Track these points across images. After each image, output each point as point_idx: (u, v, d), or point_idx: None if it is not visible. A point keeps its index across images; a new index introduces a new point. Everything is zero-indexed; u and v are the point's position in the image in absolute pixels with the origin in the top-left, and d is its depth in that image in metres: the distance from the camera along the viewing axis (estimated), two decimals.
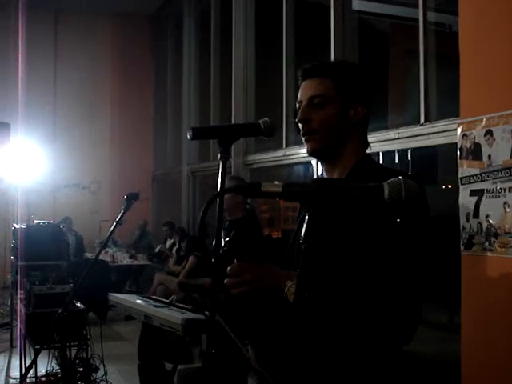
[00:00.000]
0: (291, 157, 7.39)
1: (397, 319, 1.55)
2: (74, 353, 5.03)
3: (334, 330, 1.62)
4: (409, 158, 5.56)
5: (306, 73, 1.83)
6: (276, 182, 1.21)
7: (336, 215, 1.52)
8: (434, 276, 1.69)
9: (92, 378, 5.09)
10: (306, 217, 1.18)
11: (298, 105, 1.84)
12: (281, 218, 11.90)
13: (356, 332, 1.59)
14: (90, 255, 10.18)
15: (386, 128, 5.62)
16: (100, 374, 5.13)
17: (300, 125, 1.81)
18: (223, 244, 4.36)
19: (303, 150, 6.96)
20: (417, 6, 5.38)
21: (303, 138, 1.82)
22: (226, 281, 1.56)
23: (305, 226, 1.18)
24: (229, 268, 1.56)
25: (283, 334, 1.73)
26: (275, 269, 1.62)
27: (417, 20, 5.39)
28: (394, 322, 1.55)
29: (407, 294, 1.56)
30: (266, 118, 1.76)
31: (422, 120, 5.10)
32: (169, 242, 10.10)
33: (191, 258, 8.19)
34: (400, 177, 1.18)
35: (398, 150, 5.46)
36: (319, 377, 1.69)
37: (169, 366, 4.82)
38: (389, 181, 1.18)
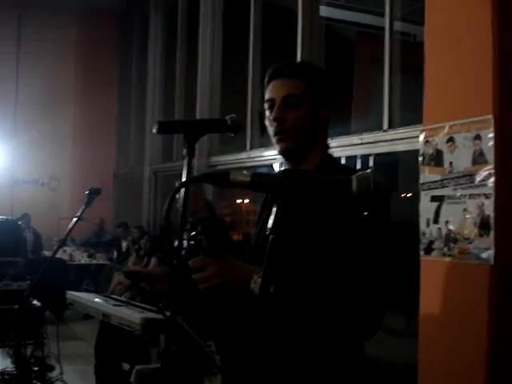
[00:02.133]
0: (255, 159, 7.39)
1: (361, 311, 1.57)
2: (29, 351, 4.95)
3: (298, 323, 1.63)
4: (371, 164, 5.61)
5: (277, 72, 1.84)
6: (244, 172, 1.20)
7: (304, 207, 1.53)
8: (392, 281, 1.71)
9: (47, 378, 5.01)
10: (274, 208, 1.18)
11: (267, 104, 1.84)
12: (242, 221, 11.92)
13: (320, 324, 1.60)
14: (47, 253, 10.03)
15: (349, 133, 5.66)
16: (56, 373, 5.05)
17: (272, 124, 1.82)
18: (185, 245, 4.34)
19: (267, 153, 7.01)
20: (383, 15, 5.44)
21: (275, 138, 1.83)
22: (193, 276, 1.55)
23: (272, 217, 1.18)
24: (191, 262, 1.55)
25: (247, 328, 1.73)
26: (240, 263, 1.62)
27: (382, 28, 5.44)
28: (359, 313, 1.57)
29: (371, 286, 1.57)
30: (232, 115, 1.75)
31: (386, 126, 5.15)
32: (124, 244, 10.03)
33: (153, 260, 8.13)
34: (369, 170, 1.20)
35: (361, 156, 5.50)
36: (282, 372, 1.69)
37: (126, 366, 4.78)
38: (358, 173, 1.19)
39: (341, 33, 10.00)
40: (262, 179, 1.20)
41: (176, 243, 1.76)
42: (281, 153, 1.85)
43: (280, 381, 1.70)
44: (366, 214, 1.22)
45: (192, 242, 1.55)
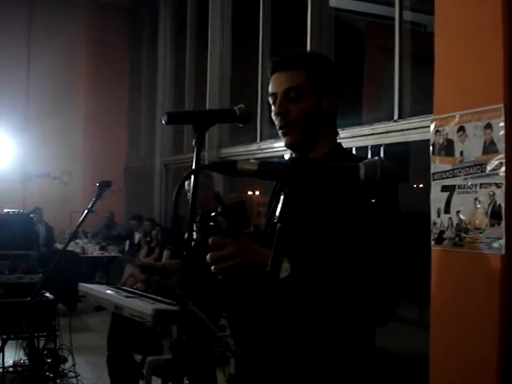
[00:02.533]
0: (265, 150, 7.39)
1: (375, 297, 1.56)
2: (42, 343, 4.99)
3: (312, 309, 1.63)
4: (381, 154, 5.59)
5: (278, 65, 1.83)
6: (252, 160, 1.20)
7: (312, 194, 1.53)
8: (405, 269, 1.71)
9: (60, 369, 5.05)
10: (282, 196, 1.18)
11: (271, 98, 1.84)
12: (253, 212, 11.92)
13: (334, 309, 1.60)
14: (60, 246, 10.09)
15: (360, 124, 5.65)
16: (68, 365, 5.09)
17: (276, 118, 1.82)
18: (195, 237, 4.34)
19: (277, 144, 7.01)
20: (393, 5, 5.42)
21: (280, 131, 1.83)
22: (208, 255, 1.54)
23: (280, 205, 1.18)
24: (210, 240, 1.54)
25: (262, 312, 1.73)
26: (258, 246, 1.61)
27: (392, 19, 5.42)
28: (373, 299, 1.56)
29: (384, 273, 1.57)
30: (241, 105, 1.75)
31: (396, 116, 5.14)
32: (137, 236, 10.06)
33: (165, 253, 8.15)
34: (376, 158, 1.20)
35: (372, 146, 5.49)
36: (295, 356, 1.69)
37: (138, 358, 4.80)
38: (365, 161, 1.18)
39: (351, 23, 9.96)
40: (269, 167, 1.20)
41: (186, 234, 1.77)
42: (287, 146, 1.85)
43: (293, 365, 1.70)
44: (373, 200, 1.22)
45: (211, 223, 1.54)
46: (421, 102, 4.30)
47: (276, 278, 1.13)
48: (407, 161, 7.22)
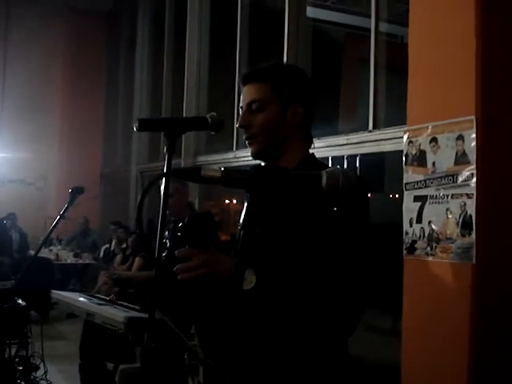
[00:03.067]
0: (241, 159, 7.40)
1: (338, 307, 1.57)
2: (14, 351, 4.93)
3: (278, 318, 1.64)
4: (357, 164, 5.64)
5: (245, 78, 1.86)
6: (216, 167, 1.21)
7: (277, 202, 1.54)
8: (377, 281, 1.72)
9: (32, 377, 4.99)
10: (245, 203, 1.19)
11: (240, 110, 1.87)
12: (230, 221, 11.91)
13: (298, 318, 1.61)
14: (33, 252, 9.99)
15: (336, 133, 5.68)
16: (40, 373, 5.03)
17: (241, 130, 1.85)
18: (168, 244, 4.33)
19: None
20: (369, 16, 5.47)
21: (246, 142, 1.86)
22: (176, 267, 1.56)
23: (243, 212, 1.19)
24: (177, 252, 1.56)
25: (229, 322, 1.73)
26: (224, 256, 1.62)
27: (369, 30, 5.47)
28: (336, 309, 1.57)
29: (348, 282, 1.57)
30: (213, 113, 1.76)
31: (371, 127, 5.18)
32: (114, 242, 10.00)
33: (138, 259, 8.10)
34: (338, 166, 1.21)
35: (347, 156, 5.53)
36: (264, 364, 1.69)
37: (110, 366, 4.77)
38: (327, 169, 1.20)
39: (329, 34, 10.04)
40: (232, 175, 1.22)
41: (157, 241, 1.77)
42: (253, 156, 1.88)
43: (261, 374, 1.70)
44: (335, 209, 1.23)
45: (179, 234, 1.56)
46: (398, 113, 4.34)
47: (240, 284, 1.14)
48: (383, 171, 7.28)
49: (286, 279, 1.58)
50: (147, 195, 1.45)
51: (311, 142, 1.90)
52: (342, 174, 1.16)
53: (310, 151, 1.91)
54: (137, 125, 1.70)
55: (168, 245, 4.09)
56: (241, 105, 1.86)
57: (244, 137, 1.85)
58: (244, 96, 1.85)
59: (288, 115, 1.81)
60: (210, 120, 1.74)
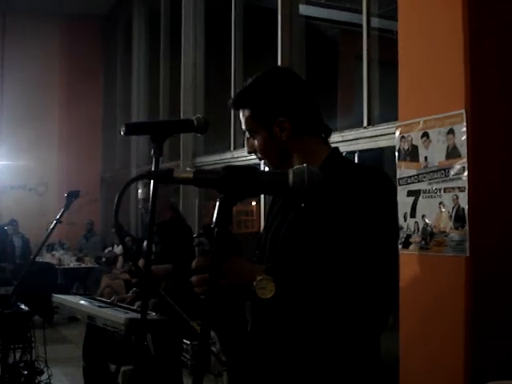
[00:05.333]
0: (239, 159, 7.43)
1: (364, 307, 1.55)
2: (18, 356, 4.97)
3: (301, 324, 1.62)
4: (356, 161, 5.65)
5: (231, 106, 1.86)
6: (188, 169, 1.24)
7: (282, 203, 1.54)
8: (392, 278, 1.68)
9: (36, 381, 5.03)
10: (217, 202, 1.23)
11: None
12: (233, 222, 11.92)
13: (323, 325, 1.59)
14: (36, 258, 10.03)
15: (334, 130, 5.70)
16: (44, 377, 5.07)
17: None
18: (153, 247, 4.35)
19: None
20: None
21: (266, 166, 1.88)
22: (192, 278, 1.51)
23: (216, 210, 1.22)
24: (194, 263, 1.52)
25: (252, 328, 1.73)
26: (244, 263, 1.58)
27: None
28: (362, 309, 1.55)
29: (372, 279, 1.56)
30: (199, 115, 1.80)
31: (365, 123, 5.21)
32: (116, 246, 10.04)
33: (141, 262, 8.13)
34: (304, 164, 1.24)
35: (346, 153, 5.55)
36: (288, 366, 1.68)
37: (113, 368, 4.81)
38: (294, 167, 1.23)
39: (324, 31, 10.06)
40: (203, 176, 1.25)
41: (145, 245, 1.80)
42: None
43: (285, 375, 1.68)
44: (303, 205, 1.26)
45: (195, 245, 1.56)
46: (393, 108, 4.36)
47: (214, 283, 1.16)
48: (381, 166, 7.29)
49: (306, 285, 1.56)
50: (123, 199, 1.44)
51: (326, 134, 1.88)
52: (307, 172, 1.20)
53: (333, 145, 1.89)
54: (123, 129, 1.74)
55: (154, 249, 4.12)
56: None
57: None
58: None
59: (276, 134, 1.78)
60: (195, 122, 1.78)
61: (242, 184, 1.22)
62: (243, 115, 1.80)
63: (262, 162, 1.85)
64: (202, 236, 1.55)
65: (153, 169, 1.67)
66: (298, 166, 1.23)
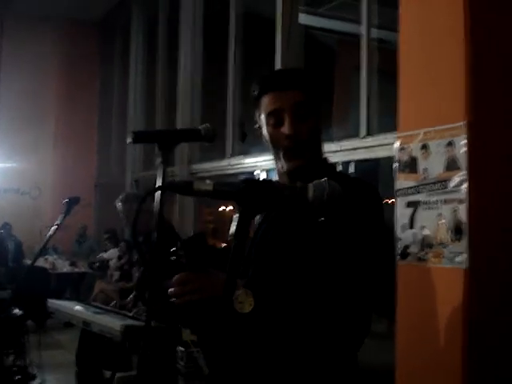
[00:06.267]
0: (236, 166, 7.45)
1: (345, 319, 1.56)
2: (11, 360, 4.95)
3: (282, 337, 1.62)
4: (351, 170, 5.67)
5: (273, 85, 1.76)
6: (207, 181, 1.24)
7: (271, 216, 1.54)
8: (375, 286, 1.69)
9: None
10: (236, 215, 1.23)
11: (269, 117, 1.76)
12: (226, 228, 11.90)
13: (304, 338, 1.59)
14: (29, 261, 9.99)
15: (330, 140, 5.72)
16: (37, 382, 5.05)
17: (281, 139, 1.75)
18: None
19: (247, 160, 7.06)
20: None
21: (287, 154, 1.76)
22: (170, 290, 1.55)
23: (235, 224, 1.22)
24: (175, 278, 1.55)
25: (231, 340, 1.71)
26: (220, 276, 1.56)
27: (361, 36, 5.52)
28: (343, 322, 1.57)
29: (352, 292, 1.56)
30: (207, 124, 1.79)
31: (364, 133, 5.23)
32: (113, 251, 9.97)
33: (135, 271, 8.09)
34: (325, 178, 1.24)
35: (342, 163, 5.56)
36: (270, 379, 1.67)
37: (107, 374, 4.79)
38: (314, 182, 1.23)
39: (322, 41, 10.08)
40: (223, 188, 1.25)
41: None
42: (291, 170, 1.77)
43: None
44: (321, 219, 1.26)
45: (173, 258, 1.56)
46: (392, 119, 4.38)
47: (231, 294, 1.17)
48: (377, 177, 7.31)
49: (286, 298, 1.56)
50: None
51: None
52: (327, 187, 1.20)
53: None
54: (131, 137, 1.74)
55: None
56: (272, 110, 1.75)
57: (285, 148, 1.75)
58: (280, 102, 1.73)
59: (319, 124, 1.80)
60: (203, 131, 1.78)
61: (261, 197, 1.21)
62: (301, 95, 1.74)
63: (291, 152, 1.74)
64: (181, 249, 1.56)
65: (160, 178, 1.67)
66: (317, 181, 1.23)
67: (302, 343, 1.60)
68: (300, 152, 1.74)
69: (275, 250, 1.68)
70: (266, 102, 1.76)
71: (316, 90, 1.79)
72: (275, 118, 1.74)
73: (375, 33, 5.66)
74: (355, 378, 1.71)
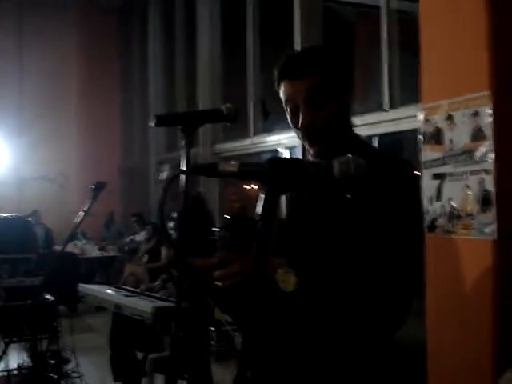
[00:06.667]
0: (259, 145, 7.44)
1: (385, 303, 1.54)
2: (45, 345, 5.03)
3: (323, 317, 1.61)
4: (375, 144, 5.63)
5: (290, 72, 1.72)
6: (232, 162, 1.24)
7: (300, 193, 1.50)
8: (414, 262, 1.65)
9: (64, 370, 5.10)
10: (262, 195, 1.22)
11: (287, 104, 1.75)
12: (252, 206, 11.90)
13: (346, 318, 1.58)
14: (59, 247, 10.12)
15: (353, 114, 5.67)
16: (72, 365, 5.13)
17: (300, 129, 1.72)
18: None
19: (270, 138, 7.05)
20: None
21: (306, 141, 1.74)
22: (216, 273, 1.51)
23: (261, 204, 1.21)
24: (218, 258, 1.53)
25: (273, 320, 1.70)
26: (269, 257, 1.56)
27: (380, 8, 5.45)
28: (383, 305, 1.54)
29: (394, 272, 1.54)
30: (228, 104, 1.78)
31: (387, 106, 5.18)
32: (142, 234, 10.05)
33: (164, 250, 8.16)
34: (349, 155, 1.23)
35: (365, 137, 5.52)
36: (308, 362, 1.66)
37: (140, 355, 4.86)
38: (339, 158, 1.22)
39: (340, 14, 9.96)
40: (248, 169, 1.24)
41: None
42: (315, 155, 1.76)
43: (309, 373, 1.66)
44: (349, 196, 1.25)
45: (216, 238, 1.54)
46: (414, 91, 4.33)
47: (260, 276, 1.16)
48: (401, 150, 7.26)
49: (329, 277, 1.55)
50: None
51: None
52: (353, 162, 1.18)
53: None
54: (154, 121, 1.74)
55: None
56: (287, 98, 1.73)
57: (303, 136, 1.73)
58: (294, 91, 1.70)
59: (345, 103, 1.74)
60: (225, 111, 1.77)
61: (286, 176, 1.20)
62: (314, 81, 1.68)
63: (309, 141, 1.73)
64: (224, 229, 1.53)
65: (184, 159, 1.67)
66: (342, 157, 1.21)
67: (344, 323, 1.58)
68: (317, 139, 1.72)
69: (313, 229, 1.67)
70: (282, 89, 1.74)
71: (337, 68, 1.73)
72: (291, 106, 1.73)
73: (395, 4, 5.58)
74: (393, 356, 1.70)
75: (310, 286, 1.52)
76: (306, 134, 1.71)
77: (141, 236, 9.85)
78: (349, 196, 1.26)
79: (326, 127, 1.70)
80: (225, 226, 1.53)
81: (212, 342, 6.02)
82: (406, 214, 1.59)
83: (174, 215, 4.13)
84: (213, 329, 5.97)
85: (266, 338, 1.70)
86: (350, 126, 1.81)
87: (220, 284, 1.51)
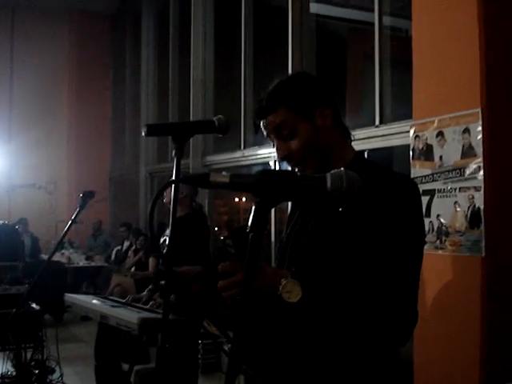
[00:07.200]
0: (249, 157, 7.43)
1: (390, 318, 1.53)
2: (29, 355, 4.99)
3: (326, 330, 1.60)
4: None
5: (258, 115, 1.78)
6: (224, 173, 1.23)
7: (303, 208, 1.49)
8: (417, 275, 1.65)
9: (48, 380, 5.05)
10: (253, 206, 1.21)
11: (269, 140, 1.80)
12: (240, 219, 11.91)
13: (349, 332, 1.57)
14: (45, 256, 10.05)
15: None
16: (56, 375, 5.08)
17: (283, 160, 1.78)
18: (164, 242, 4.36)
19: (261, 151, 7.05)
20: (373, 11, 5.48)
21: (296, 169, 1.78)
22: (220, 283, 1.50)
23: (251, 215, 1.20)
24: (220, 266, 1.51)
25: (275, 332, 1.70)
26: (269, 267, 1.58)
27: (373, 24, 5.48)
28: (388, 320, 1.53)
29: (400, 286, 1.54)
30: (220, 116, 1.79)
31: (377, 122, 5.19)
32: (126, 244, 10.04)
33: (152, 260, 8.14)
34: (342, 168, 1.23)
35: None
36: (311, 374, 1.65)
37: (126, 367, 4.81)
38: (332, 171, 1.22)
39: (333, 29, 10.03)
40: (240, 180, 1.24)
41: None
42: (311, 173, 1.77)
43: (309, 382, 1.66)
44: (340, 209, 1.25)
45: (220, 247, 1.54)
46: (405, 107, 4.35)
47: (249, 287, 1.15)
48: (391, 165, 7.28)
49: (333, 289, 1.54)
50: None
51: (350, 136, 1.83)
52: (345, 176, 1.18)
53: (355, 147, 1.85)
54: (145, 130, 1.73)
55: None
56: (266, 135, 1.79)
57: (290, 165, 1.78)
58: (267, 130, 1.77)
59: (318, 123, 1.73)
60: (216, 123, 1.77)
61: (278, 188, 1.20)
62: (277, 117, 1.72)
63: (297, 167, 1.77)
64: (229, 239, 1.54)
65: (174, 169, 1.66)
66: (335, 170, 1.21)
67: (349, 334, 1.57)
68: (302, 164, 1.76)
69: (317, 241, 1.67)
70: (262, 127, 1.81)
71: (302, 94, 1.74)
72: (271, 141, 1.79)
73: (388, 20, 5.61)
74: (396, 372, 1.69)
75: (315, 297, 1.51)
76: (290, 164, 1.77)
77: (125, 246, 9.84)
78: (340, 209, 1.25)
79: (303, 152, 1.73)
80: (231, 236, 1.53)
81: (199, 355, 5.98)
82: (411, 226, 1.60)
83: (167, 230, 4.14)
84: (200, 341, 5.93)
85: (269, 350, 1.71)
86: (341, 141, 1.81)
87: (224, 294, 1.51)
